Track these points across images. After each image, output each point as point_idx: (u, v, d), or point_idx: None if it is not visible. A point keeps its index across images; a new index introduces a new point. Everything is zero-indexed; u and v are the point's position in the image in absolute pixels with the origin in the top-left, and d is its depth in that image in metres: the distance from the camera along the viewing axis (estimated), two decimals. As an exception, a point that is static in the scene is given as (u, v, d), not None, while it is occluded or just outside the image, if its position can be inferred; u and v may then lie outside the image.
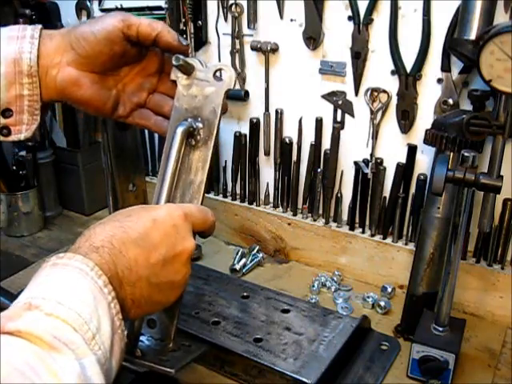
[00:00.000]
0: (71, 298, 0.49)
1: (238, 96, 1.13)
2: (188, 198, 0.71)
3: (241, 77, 1.14)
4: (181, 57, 0.69)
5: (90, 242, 0.56)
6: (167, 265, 0.60)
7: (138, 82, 0.76)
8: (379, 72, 0.99)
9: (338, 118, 1.06)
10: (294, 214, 1.17)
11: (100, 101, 0.73)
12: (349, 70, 1.02)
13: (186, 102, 0.72)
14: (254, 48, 1.09)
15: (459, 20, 0.83)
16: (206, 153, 0.71)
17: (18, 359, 0.42)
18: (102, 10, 1.26)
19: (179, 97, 0.72)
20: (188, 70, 0.71)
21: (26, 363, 0.42)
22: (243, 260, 1.15)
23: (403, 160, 1.02)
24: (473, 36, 0.81)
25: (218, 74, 0.71)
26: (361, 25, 0.97)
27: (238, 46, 1.11)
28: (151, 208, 0.63)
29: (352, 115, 1.05)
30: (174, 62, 0.69)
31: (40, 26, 0.70)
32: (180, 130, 0.69)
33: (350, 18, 0.98)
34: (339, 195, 1.11)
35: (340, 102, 1.05)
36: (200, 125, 0.71)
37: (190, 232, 0.63)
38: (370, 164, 1.04)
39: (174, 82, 0.73)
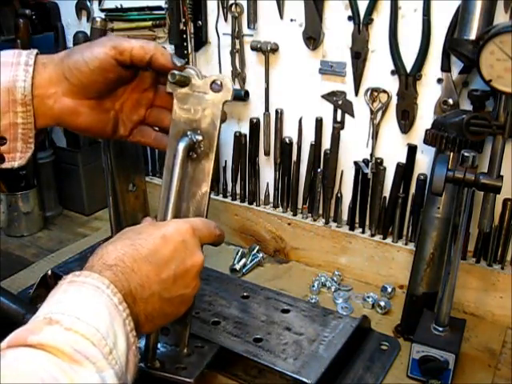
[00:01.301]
0: (89, 314, 0.50)
1: (238, 96, 1.13)
2: (192, 209, 0.72)
3: (241, 77, 1.14)
4: (176, 73, 0.68)
5: (102, 261, 0.58)
6: (178, 279, 0.62)
7: (135, 98, 0.75)
8: (379, 72, 0.99)
9: (338, 118, 1.06)
10: (294, 214, 1.17)
11: (100, 125, 0.73)
12: (349, 70, 1.02)
13: (183, 115, 0.72)
14: (253, 48, 1.09)
15: (459, 20, 0.83)
16: (208, 164, 0.71)
17: (41, 371, 0.43)
18: (102, 10, 1.26)
19: (176, 109, 0.72)
20: (184, 83, 0.70)
21: (49, 375, 0.43)
22: (243, 260, 1.15)
23: (403, 160, 1.02)
24: (473, 36, 0.81)
25: (215, 84, 0.70)
26: (361, 25, 0.97)
27: (237, 46, 1.11)
28: (160, 225, 0.65)
29: (352, 115, 1.05)
30: (170, 79, 0.68)
31: (35, 52, 0.68)
32: (181, 147, 0.69)
33: (350, 18, 0.98)
34: (339, 195, 1.11)
35: (340, 102, 1.05)
36: (200, 137, 0.71)
37: (198, 246, 0.65)
38: (370, 164, 1.04)
39: (171, 94, 0.72)
